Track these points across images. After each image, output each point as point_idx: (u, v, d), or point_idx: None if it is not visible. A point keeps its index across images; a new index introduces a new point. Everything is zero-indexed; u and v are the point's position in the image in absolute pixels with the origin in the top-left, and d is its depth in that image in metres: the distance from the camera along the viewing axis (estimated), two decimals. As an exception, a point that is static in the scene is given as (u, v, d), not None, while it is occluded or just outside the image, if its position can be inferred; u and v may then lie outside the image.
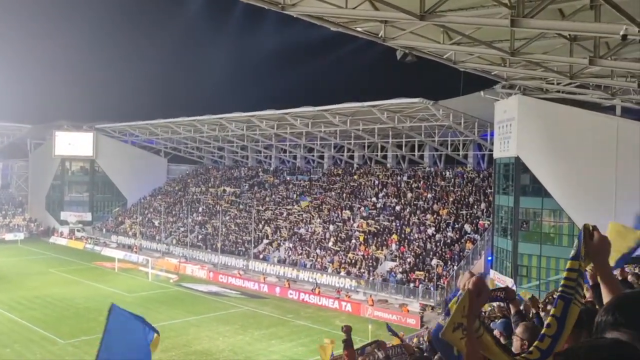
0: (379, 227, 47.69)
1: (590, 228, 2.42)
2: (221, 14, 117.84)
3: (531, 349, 2.32)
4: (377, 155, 59.07)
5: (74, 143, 76.35)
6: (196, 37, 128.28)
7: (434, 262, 40.57)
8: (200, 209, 65.76)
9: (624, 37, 12.43)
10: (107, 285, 44.59)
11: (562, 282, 2.40)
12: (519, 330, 4.24)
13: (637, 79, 21.95)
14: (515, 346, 4.19)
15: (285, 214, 56.67)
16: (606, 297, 2.44)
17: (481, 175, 49.00)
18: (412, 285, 39.37)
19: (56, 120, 77.53)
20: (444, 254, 41.34)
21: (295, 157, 68.61)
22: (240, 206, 62.76)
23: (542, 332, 2.33)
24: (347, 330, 7.65)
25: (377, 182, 54.98)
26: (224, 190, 67.94)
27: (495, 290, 4.70)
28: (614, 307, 1.67)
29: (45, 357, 27.42)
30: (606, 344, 1.46)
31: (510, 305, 5.43)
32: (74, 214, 75.90)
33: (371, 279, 41.62)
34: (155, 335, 5.41)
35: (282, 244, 51.71)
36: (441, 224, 44.76)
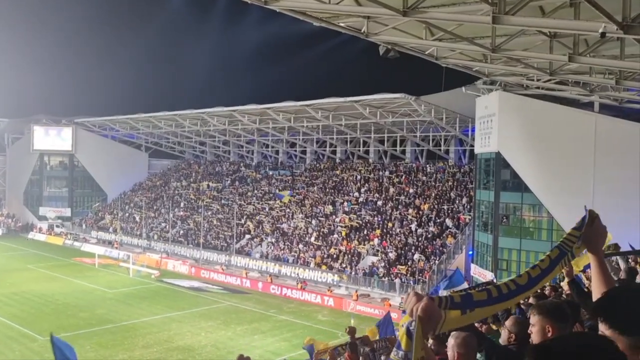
0: (361, 222, 47.87)
1: (594, 215, 2.56)
2: (203, 9, 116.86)
3: (522, 273, 2.44)
4: (359, 151, 59.22)
5: (53, 137, 75.33)
6: (178, 32, 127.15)
7: (416, 256, 40.87)
8: (182, 204, 65.37)
9: (603, 34, 12.60)
10: (87, 282, 44.14)
11: (562, 238, 2.60)
12: (509, 323, 4.26)
13: (615, 75, 22.28)
14: (503, 337, 4.24)
15: (267, 209, 56.61)
16: (596, 285, 2.53)
17: (462, 171, 49.41)
18: (390, 278, 39.64)
19: (34, 114, 76.32)
20: (425, 248, 41.66)
21: (277, 152, 68.47)
22: (222, 201, 62.53)
23: (536, 263, 2.47)
24: (352, 332, 7.43)
25: (359, 177, 55.14)
26: (207, 186, 67.61)
27: (479, 286, 4.78)
28: (607, 307, 1.71)
29: (25, 354, 27.08)
30: (575, 334, 1.51)
31: None
32: (53, 209, 74.93)
33: (353, 273, 41.81)
34: None
35: (264, 239, 51.67)
36: (423, 219, 45.08)
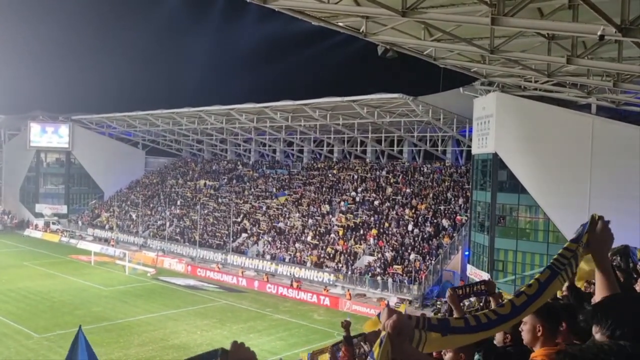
0: (357, 222, 47.89)
1: (597, 218, 2.52)
2: (202, 6, 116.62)
3: (504, 302, 2.37)
4: (356, 150, 59.22)
5: (50, 134, 75.16)
6: (176, 29, 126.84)
7: (412, 256, 40.92)
8: (179, 202, 65.28)
9: (601, 37, 12.62)
10: (83, 279, 44.07)
11: (555, 256, 2.49)
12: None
13: (613, 78, 22.34)
14: (498, 338, 4.24)
15: (264, 208, 56.59)
16: (601, 289, 2.53)
17: (459, 171, 49.47)
18: (385, 278, 39.69)
19: (31, 110, 76.08)
20: (422, 248, 41.70)
21: (274, 151, 68.45)
22: (219, 200, 62.48)
23: (521, 289, 2.39)
24: (347, 325, 7.45)
25: (356, 176, 55.15)
26: (204, 184, 67.53)
27: (476, 284, 4.78)
28: (601, 313, 1.75)
29: (20, 352, 27.03)
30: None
31: (491, 299, 5.47)
32: (49, 206, 74.74)
33: (349, 273, 41.84)
34: None
35: (260, 237, 51.64)
36: (419, 219, 45.11)
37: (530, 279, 2.48)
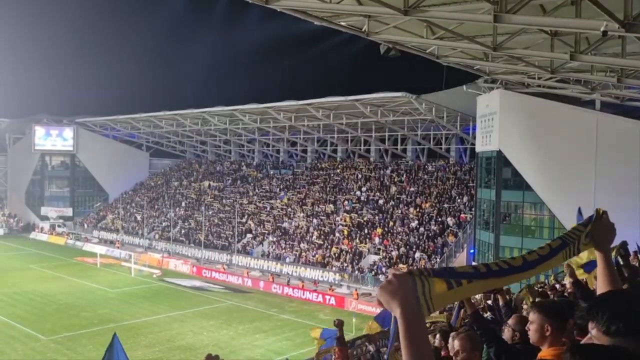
0: (362, 221, 47.88)
1: (601, 212, 2.57)
2: (204, 8, 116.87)
3: (516, 256, 2.39)
4: (360, 149, 59.20)
5: (54, 137, 75.44)
6: (179, 31, 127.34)
7: (417, 255, 40.89)
8: (183, 204, 65.41)
9: (605, 33, 12.58)
10: (89, 281, 44.20)
11: (567, 231, 2.56)
12: (512, 321, 4.27)
13: (616, 74, 22.24)
14: (507, 336, 4.25)
15: (268, 208, 56.64)
16: (602, 282, 2.56)
17: (463, 169, 49.39)
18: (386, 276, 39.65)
19: (36, 114, 76.37)
20: (427, 247, 41.66)
21: (278, 151, 68.49)
22: (224, 200, 62.56)
23: (534, 249, 2.42)
24: (339, 324, 7.21)
25: (360, 175, 55.14)
26: (209, 185, 67.64)
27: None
28: (598, 308, 1.76)
29: (27, 354, 27.13)
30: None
31: (498, 296, 5.48)
32: (54, 209, 75.03)
33: (355, 272, 41.84)
34: None
35: (265, 238, 51.70)
36: (424, 218, 45.07)
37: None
